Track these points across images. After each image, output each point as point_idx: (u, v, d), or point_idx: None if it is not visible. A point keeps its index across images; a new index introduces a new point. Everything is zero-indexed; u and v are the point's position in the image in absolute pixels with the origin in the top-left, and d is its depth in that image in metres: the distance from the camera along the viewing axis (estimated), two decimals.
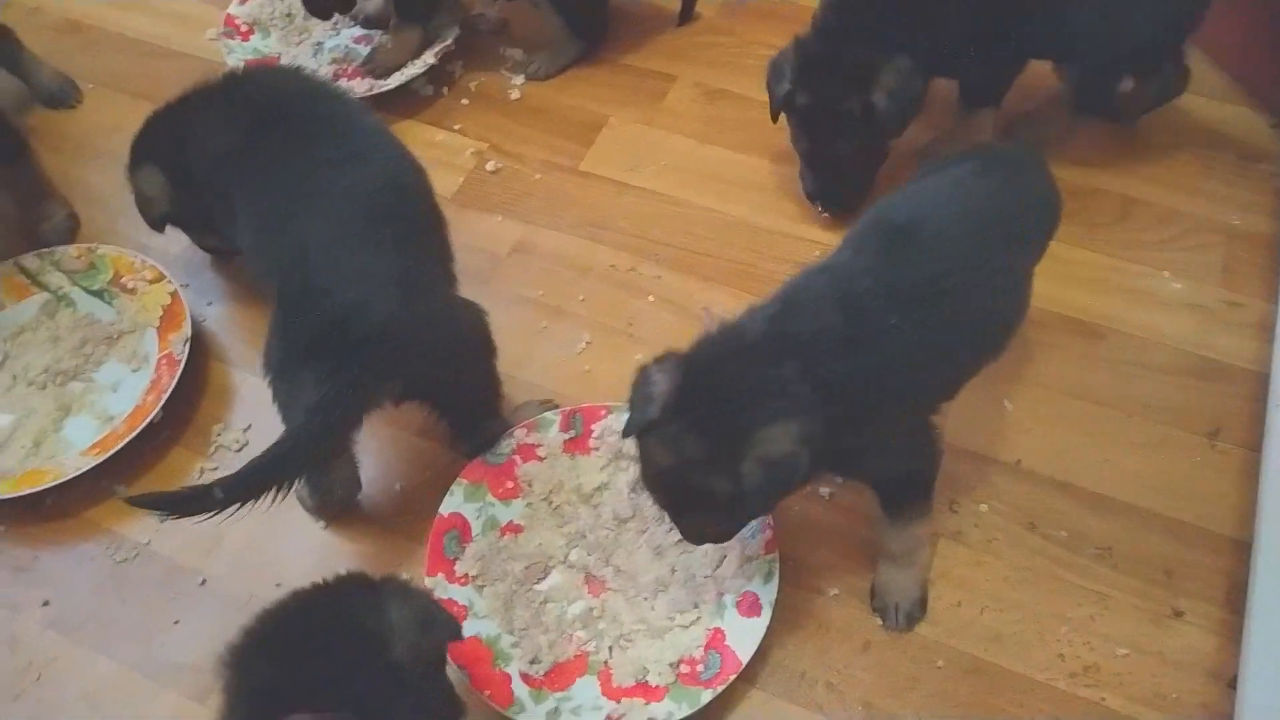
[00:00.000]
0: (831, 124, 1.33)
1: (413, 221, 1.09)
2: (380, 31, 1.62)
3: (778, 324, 0.92)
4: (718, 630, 1.06)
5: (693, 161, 1.52)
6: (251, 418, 1.27)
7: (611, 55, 1.68)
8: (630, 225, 1.47)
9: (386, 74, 1.60)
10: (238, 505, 0.96)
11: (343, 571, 0.92)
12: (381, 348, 0.97)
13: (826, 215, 1.43)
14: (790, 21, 1.66)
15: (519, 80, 1.65)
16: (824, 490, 1.18)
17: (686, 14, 1.69)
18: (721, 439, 0.88)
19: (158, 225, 1.30)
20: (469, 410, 1.13)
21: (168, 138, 1.22)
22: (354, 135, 1.11)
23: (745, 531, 1.10)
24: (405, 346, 0.99)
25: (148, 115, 1.27)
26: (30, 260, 1.34)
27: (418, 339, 1.01)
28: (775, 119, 1.37)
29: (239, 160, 1.11)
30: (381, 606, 0.84)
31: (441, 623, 0.87)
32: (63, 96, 1.62)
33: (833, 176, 1.39)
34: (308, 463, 1.01)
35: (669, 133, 1.58)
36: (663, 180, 1.52)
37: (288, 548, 1.16)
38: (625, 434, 0.96)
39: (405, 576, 1.10)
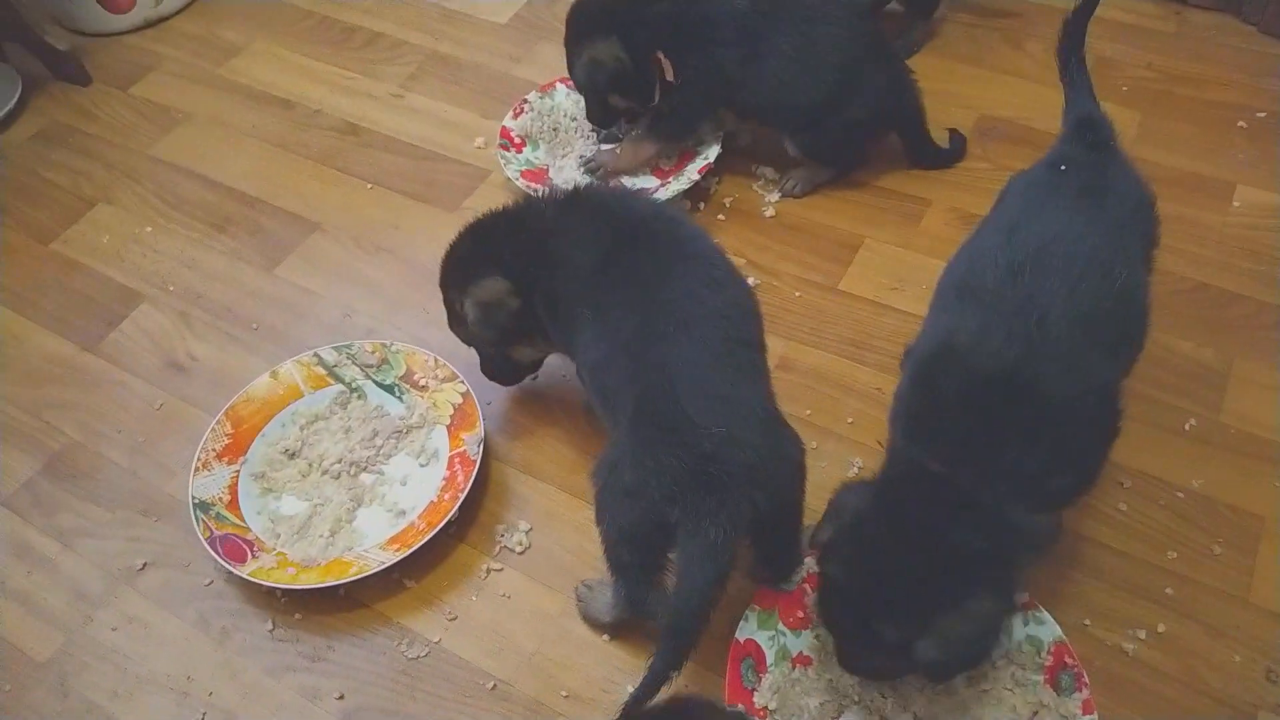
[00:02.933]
0: None
1: (760, 346, 1.11)
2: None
3: None
4: None
5: None
6: (532, 520, 1.29)
7: (864, 177, 1.69)
8: (892, 347, 1.46)
9: (605, 177, 1.66)
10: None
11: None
12: (754, 483, 0.97)
13: None
14: (1039, 148, 1.65)
15: (773, 197, 1.68)
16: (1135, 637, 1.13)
17: (935, 158, 1.69)
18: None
19: (491, 339, 1.27)
20: (782, 538, 1.11)
21: (514, 249, 1.22)
22: (704, 258, 1.14)
23: (1062, 690, 1.05)
24: (768, 480, 0.99)
25: (482, 225, 1.27)
26: (329, 353, 1.41)
27: (777, 471, 1.01)
28: None
29: (599, 275, 1.13)
30: None
31: None
32: None
33: None
34: (715, 605, 1.00)
35: (927, 256, 1.57)
36: (924, 303, 1.49)
37: (574, 657, 1.16)
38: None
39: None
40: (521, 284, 1.21)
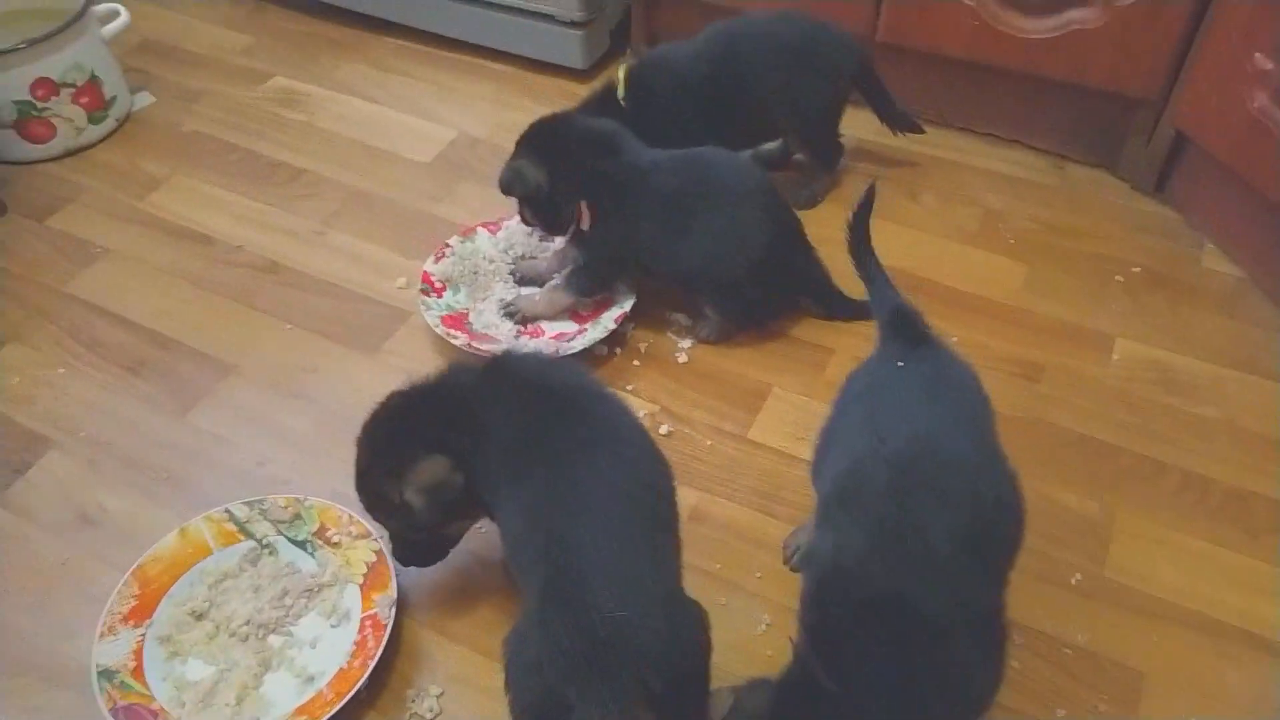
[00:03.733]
0: None
1: (668, 525, 1.15)
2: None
3: None
4: None
5: None
6: (444, 683, 1.29)
7: (775, 325, 1.76)
8: (800, 499, 1.51)
9: (524, 322, 1.71)
10: None
11: None
12: (650, 668, 1.00)
13: None
14: (931, 297, 1.76)
15: (686, 343, 1.74)
16: None
17: (851, 311, 1.75)
18: None
19: (437, 523, 1.24)
20: (686, 711, 1.14)
21: (444, 421, 1.20)
22: (623, 436, 1.17)
23: None
24: (666, 663, 1.02)
25: (398, 405, 1.24)
26: (240, 509, 1.40)
27: (676, 653, 1.04)
28: None
29: (519, 450, 1.15)
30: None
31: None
32: None
33: None
34: None
35: (829, 406, 1.63)
36: None
37: None
38: None
39: None
40: (458, 456, 1.19)
